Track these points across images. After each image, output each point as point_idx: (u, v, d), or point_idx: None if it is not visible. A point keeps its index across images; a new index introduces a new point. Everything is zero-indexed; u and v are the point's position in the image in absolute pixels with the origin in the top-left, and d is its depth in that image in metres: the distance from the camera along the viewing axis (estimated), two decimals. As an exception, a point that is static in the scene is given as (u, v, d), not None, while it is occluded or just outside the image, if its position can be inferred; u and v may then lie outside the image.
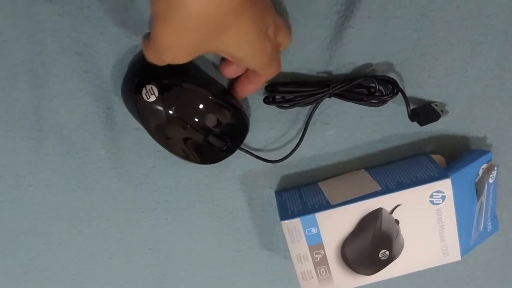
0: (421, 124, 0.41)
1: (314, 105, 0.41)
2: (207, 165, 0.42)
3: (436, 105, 0.42)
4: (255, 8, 0.30)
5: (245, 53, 0.31)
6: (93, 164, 0.42)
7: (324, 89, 0.39)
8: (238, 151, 0.41)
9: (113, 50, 0.38)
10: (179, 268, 0.47)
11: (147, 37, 0.31)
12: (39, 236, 0.44)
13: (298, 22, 0.38)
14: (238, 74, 0.38)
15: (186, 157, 0.39)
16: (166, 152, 0.41)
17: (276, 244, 0.47)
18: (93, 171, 0.42)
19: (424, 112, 0.41)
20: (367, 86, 0.40)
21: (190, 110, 0.37)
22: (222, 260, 0.47)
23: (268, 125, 0.42)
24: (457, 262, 0.43)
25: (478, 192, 0.42)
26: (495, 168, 0.43)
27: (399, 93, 0.40)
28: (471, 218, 0.42)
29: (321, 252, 0.41)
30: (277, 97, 0.40)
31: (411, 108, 0.41)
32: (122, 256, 0.46)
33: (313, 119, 0.42)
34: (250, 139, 0.42)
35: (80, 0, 0.36)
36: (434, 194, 0.40)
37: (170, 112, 0.37)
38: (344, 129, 0.43)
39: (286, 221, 0.40)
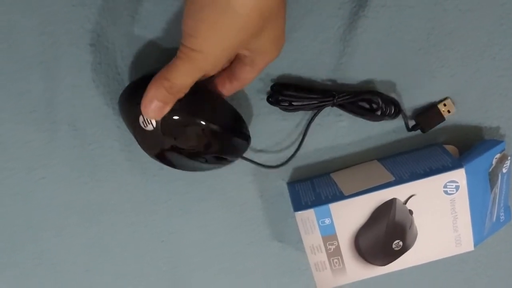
0: (424, 131, 0.42)
1: (316, 111, 0.41)
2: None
3: (444, 104, 0.42)
4: (284, 2, 0.30)
5: (272, 47, 0.32)
6: (106, 157, 0.42)
7: (329, 99, 0.40)
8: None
9: (127, 41, 0.38)
10: (191, 259, 0.47)
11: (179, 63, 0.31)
12: (51, 229, 0.44)
13: (311, 12, 0.38)
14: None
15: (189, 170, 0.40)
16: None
17: (287, 236, 0.47)
18: (106, 164, 0.42)
19: (427, 117, 0.42)
20: (370, 101, 0.41)
21: (188, 139, 0.36)
22: (233, 251, 0.47)
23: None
24: (470, 253, 0.43)
25: (492, 182, 0.42)
26: (509, 158, 0.43)
27: (400, 114, 0.41)
28: (485, 208, 0.42)
29: (334, 243, 0.41)
30: (281, 98, 0.40)
31: (414, 118, 0.42)
32: (135, 248, 0.46)
33: (325, 111, 0.42)
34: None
35: (93, -9, 0.36)
36: (448, 184, 0.40)
37: (168, 140, 0.36)
38: (357, 120, 0.43)
39: (299, 212, 0.40)
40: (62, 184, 0.42)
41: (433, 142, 0.44)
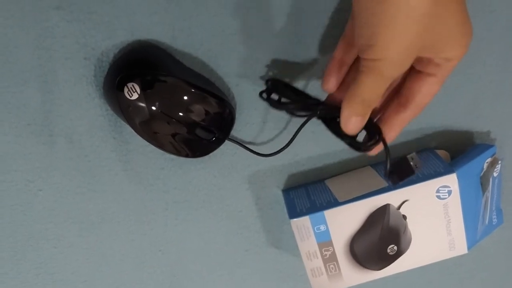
0: (394, 183, 0.35)
1: (306, 118, 0.37)
2: (215, 165, 0.43)
3: (412, 158, 0.35)
4: None
5: (456, 32, 0.29)
6: (103, 167, 0.42)
7: (312, 109, 0.36)
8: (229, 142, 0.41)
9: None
10: (190, 268, 0.47)
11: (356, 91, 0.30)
12: (50, 240, 0.44)
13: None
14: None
15: (176, 152, 0.40)
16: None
17: (284, 242, 0.47)
18: (103, 174, 0.42)
19: (399, 168, 0.35)
20: None
21: (174, 104, 0.37)
22: (231, 259, 0.48)
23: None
24: (464, 256, 0.43)
25: (483, 186, 0.43)
26: (499, 162, 0.43)
27: (381, 143, 0.34)
28: (477, 212, 0.43)
29: (330, 249, 0.42)
30: (272, 95, 0.39)
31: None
32: (133, 258, 0.46)
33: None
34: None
35: (88, 6, 0.36)
36: (440, 189, 0.40)
37: (154, 108, 0.37)
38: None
39: (295, 219, 0.41)
40: (60, 196, 0.43)
41: (425, 147, 0.45)
